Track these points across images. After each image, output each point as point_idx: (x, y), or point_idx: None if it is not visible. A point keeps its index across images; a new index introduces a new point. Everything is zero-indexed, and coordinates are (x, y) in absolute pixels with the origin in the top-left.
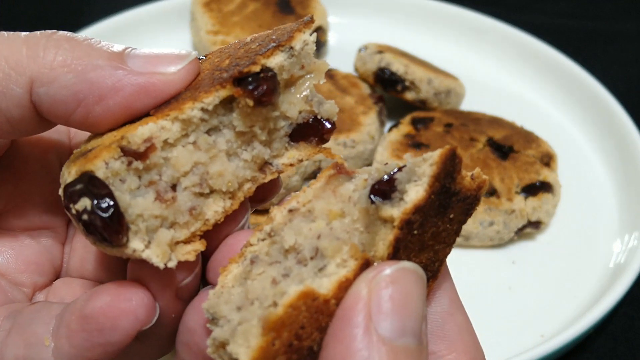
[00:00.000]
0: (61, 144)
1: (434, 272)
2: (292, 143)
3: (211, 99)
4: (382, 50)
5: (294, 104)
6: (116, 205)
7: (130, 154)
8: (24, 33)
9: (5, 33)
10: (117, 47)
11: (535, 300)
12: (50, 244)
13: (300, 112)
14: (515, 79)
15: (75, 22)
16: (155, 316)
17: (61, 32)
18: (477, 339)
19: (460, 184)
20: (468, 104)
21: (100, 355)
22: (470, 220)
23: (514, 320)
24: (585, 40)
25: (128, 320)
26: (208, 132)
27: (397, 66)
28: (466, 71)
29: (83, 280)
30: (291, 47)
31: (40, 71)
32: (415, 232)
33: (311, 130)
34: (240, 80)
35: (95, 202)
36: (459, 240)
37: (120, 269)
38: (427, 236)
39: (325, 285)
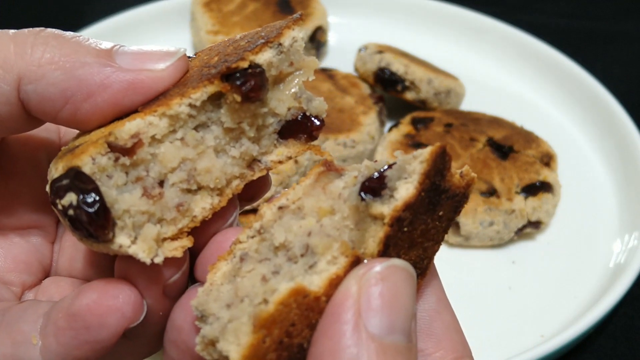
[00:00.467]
0: (51, 142)
1: (423, 269)
2: (280, 140)
3: (199, 95)
4: (382, 50)
5: (282, 101)
6: (102, 200)
7: (118, 150)
8: (12, 31)
9: None
10: (106, 45)
11: (535, 300)
12: (39, 243)
13: (289, 109)
14: (515, 79)
15: (75, 22)
16: (143, 314)
17: (49, 30)
18: (464, 337)
19: (449, 182)
20: (468, 104)
21: (88, 353)
22: (470, 220)
23: (514, 320)
24: (585, 40)
25: (115, 318)
26: (196, 128)
27: (397, 66)
28: (466, 71)
29: (72, 279)
30: (280, 44)
31: (28, 68)
32: (405, 229)
33: (300, 127)
34: (228, 76)
35: (81, 197)
36: (459, 240)
37: (109, 267)
38: (417, 233)
39: (315, 282)
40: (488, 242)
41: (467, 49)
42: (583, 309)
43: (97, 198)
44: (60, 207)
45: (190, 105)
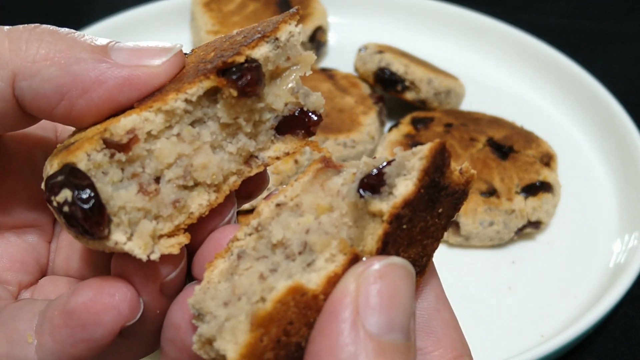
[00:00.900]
0: (48, 141)
1: (422, 267)
2: (278, 136)
3: (195, 90)
4: (382, 50)
5: (279, 96)
6: (97, 197)
7: (113, 146)
8: (6, 27)
9: None
10: (101, 41)
11: (535, 300)
12: (36, 242)
13: (286, 104)
14: (515, 79)
15: (75, 22)
16: (139, 311)
17: (44, 26)
18: (463, 335)
19: (449, 179)
20: (468, 104)
21: (83, 352)
22: (470, 220)
23: (514, 320)
24: (585, 40)
25: (111, 316)
26: (192, 124)
27: (397, 66)
28: (466, 71)
29: (69, 279)
30: (276, 38)
31: (22, 65)
32: (404, 226)
33: (297, 123)
34: (224, 71)
35: (76, 193)
36: (459, 240)
37: (106, 266)
38: (416, 231)
39: (314, 280)
40: (488, 242)
41: (467, 49)
42: (583, 309)
43: (92, 194)
44: (55, 203)
45: (186, 100)
